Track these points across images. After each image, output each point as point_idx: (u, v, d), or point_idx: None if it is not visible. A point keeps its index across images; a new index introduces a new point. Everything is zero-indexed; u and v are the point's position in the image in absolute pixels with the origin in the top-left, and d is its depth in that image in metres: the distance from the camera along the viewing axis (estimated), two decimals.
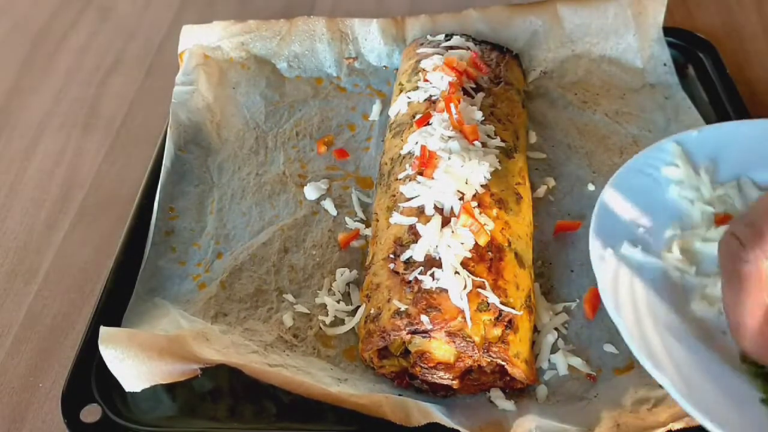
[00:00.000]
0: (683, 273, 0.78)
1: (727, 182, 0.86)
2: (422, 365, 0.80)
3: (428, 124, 0.95)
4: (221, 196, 1.03)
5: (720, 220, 0.84)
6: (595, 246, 0.76)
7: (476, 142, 0.92)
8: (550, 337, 0.86)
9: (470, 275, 0.79)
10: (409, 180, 0.90)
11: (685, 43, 1.22)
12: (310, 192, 1.03)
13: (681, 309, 0.75)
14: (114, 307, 0.88)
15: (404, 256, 0.83)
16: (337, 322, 0.89)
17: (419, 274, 0.80)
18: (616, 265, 0.76)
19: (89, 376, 0.81)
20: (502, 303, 0.79)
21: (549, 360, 0.84)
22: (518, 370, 0.79)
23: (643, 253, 0.77)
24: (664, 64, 1.18)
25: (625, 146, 1.09)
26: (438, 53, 1.07)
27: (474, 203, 0.85)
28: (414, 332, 0.78)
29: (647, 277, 0.76)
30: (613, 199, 0.82)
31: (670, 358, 0.68)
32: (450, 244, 0.80)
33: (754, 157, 0.86)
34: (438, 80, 1.01)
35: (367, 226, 0.99)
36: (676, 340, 0.71)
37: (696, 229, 0.82)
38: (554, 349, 0.85)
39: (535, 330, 0.86)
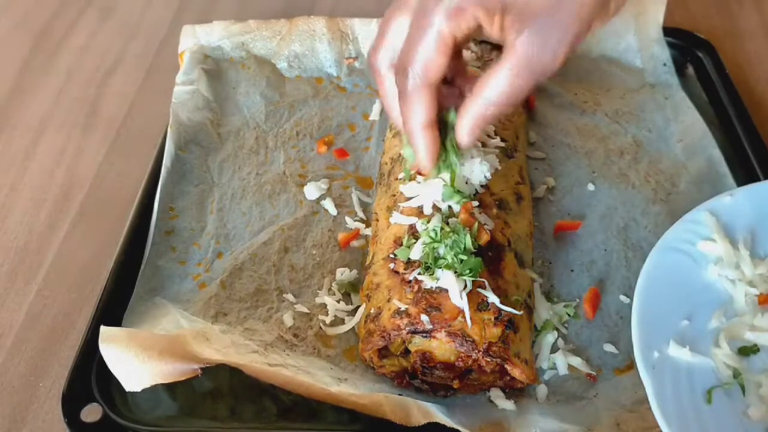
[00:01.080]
0: (735, 372, 0.72)
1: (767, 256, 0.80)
2: (422, 365, 0.80)
3: None
4: (221, 195, 1.03)
5: (764, 300, 0.78)
6: (641, 350, 0.70)
7: (476, 142, 0.92)
8: (550, 337, 0.86)
9: (470, 275, 0.79)
10: (409, 180, 0.90)
11: (685, 43, 1.22)
12: (310, 192, 1.03)
13: (737, 411, 0.69)
14: (114, 306, 0.88)
15: (404, 256, 0.83)
16: (337, 321, 0.89)
17: (419, 273, 0.80)
18: (664, 370, 0.69)
19: (89, 376, 0.81)
20: (502, 303, 0.79)
21: (549, 360, 0.85)
22: (518, 370, 0.79)
23: (692, 353, 0.71)
24: (664, 64, 1.18)
25: (625, 146, 1.09)
26: None
27: (474, 203, 0.85)
28: (414, 332, 0.78)
29: (700, 381, 0.70)
30: (650, 289, 0.75)
31: None
32: (450, 244, 0.80)
33: None
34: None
35: (367, 225, 0.99)
36: None
37: (742, 317, 0.75)
38: (554, 349, 0.85)
39: (535, 330, 0.87)
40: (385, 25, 0.80)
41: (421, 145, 0.80)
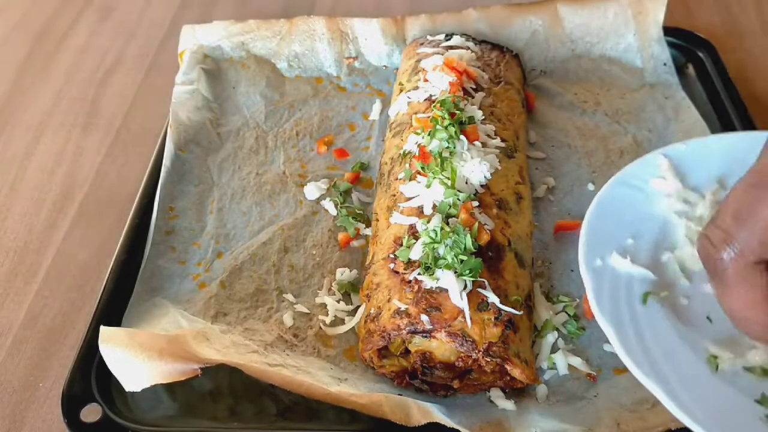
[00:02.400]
0: (672, 284, 0.78)
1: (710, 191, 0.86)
2: (422, 365, 0.80)
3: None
4: (221, 195, 1.03)
5: None
6: (583, 255, 0.77)
7: (476, 142, 0.92)
8: (550, 337, 0.86)
9: (470, 275, 0.79)
10: (409, 180, 0.90)
11: (685, 43, 1.22)
12: (310, 192, 1.03)
13: (669, 320, 0.75)
14: (114, 306, 0.88)
15: (404, 256, 0.83)
16: (337, 321, 0.89)
17: (419, 273, 0.80)
18: (605, 275, 0.76)
19: (89, 376, 0.81)
20: (502, 303, 0.79)
21: (549, 360, 0.84)
22: (518, 370, 0.79)
23: (632, 264, 0.77)
24: (664, 64, 1.18)
25: (625, 146, 1.09)
26: (438, 53, 1.08)
27: (474, 203, 0.85)
28: (414, 332, 0.78)
29: (637, 288, 0.76)
30: (601, 210, 0.82)
31: (659, 366, 0.69)
32: (450, 244, 0.80)
33: (737, 169, 0.86)
34: (438, 80, 1.01)
35: (367, 225, 0.99)
36: (664, 349, 0.71)
37: (684, 245, 0.81)
38: (554, 349, 0.85)
39: (535, 330, 0.86)
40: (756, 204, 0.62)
41: None
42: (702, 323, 0.75)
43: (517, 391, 0.82)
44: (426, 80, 1.03)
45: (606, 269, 0.77)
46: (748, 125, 1.08)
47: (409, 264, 0.82)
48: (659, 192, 0.84)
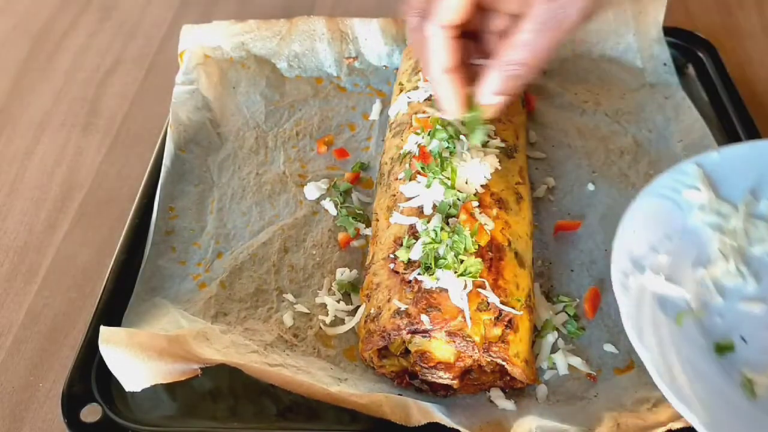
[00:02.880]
0: (706, 302, 0.77)
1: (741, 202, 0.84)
2: (422, 365, 0.80)
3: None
4: (221, 195, 1.03)
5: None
6: (616, 272, 0.74)
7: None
8: (550, 337, 0.86)
9: (470, 275, 0.79)
10: (409, 180, 0.90)
11: (685, 43, 1.22)
12: (310, 192, 1.03)
13: (704, 339, 0.74)
14: (114, 306, 0.88)
15: (404, 256, 0.83)
16: (337, 321, 0.89)
17: (419, 273, 0.80)
18: (639, 294, 0.74)
19: (89, 376, 0.81)
20: (502, 303, 0.79)
21: (549, 360, 0.85)
22: (518, 370, 0.79)
23: (666, 282, 0.76)
24: (664, 64, 1.18)
25: (625, 146, 1.09)
26: None
27: (474, 203, 0.85)
28: (414, 332, 0.78)
29: (670, 306, 0.75)
30: (633, 224, 0.79)
31: (694, 391, 0.67)
32: (450, 244, 0.80)
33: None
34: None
35: (367, 225, 0.99)
36: (699, 372, 0.69)
37: (717, 260, 0.80)
38: (554, 349, 0.86)
39: (535, 330, 0.86)
40: None
41: (441, 90, 0.81)
42: (736, 344, 0.73)
43: (517, 391, 0.82)
44: (426, 80, 1.03)
45: (639, 287, 0.75)
46: (748, 125, 1.08)
47: (409, 264, 0.82)
48: (692, 203, 0.83)
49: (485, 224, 0.84)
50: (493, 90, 0.78)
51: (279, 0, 1.45)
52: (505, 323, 0.79)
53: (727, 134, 1.08)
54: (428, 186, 0.87)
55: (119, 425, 0.78)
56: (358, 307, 0.89)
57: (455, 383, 0.81)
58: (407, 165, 0.93)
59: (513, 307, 0.80)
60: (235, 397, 0.82)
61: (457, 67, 0.79)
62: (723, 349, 0.74)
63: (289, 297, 0.92)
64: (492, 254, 0.83)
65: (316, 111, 1.16)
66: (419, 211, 0.87)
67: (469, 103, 0.81)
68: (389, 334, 0.79)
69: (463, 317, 0.77)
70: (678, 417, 0.74)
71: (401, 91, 1.06)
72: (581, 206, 1.02)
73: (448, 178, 0.87)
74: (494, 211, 0.87)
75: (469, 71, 0.81)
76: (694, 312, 0.75)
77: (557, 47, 0.74)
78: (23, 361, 0.91)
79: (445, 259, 0.80)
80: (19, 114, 1.24)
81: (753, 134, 1.07)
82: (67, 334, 0.93)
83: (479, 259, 0.80)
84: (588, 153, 1.09)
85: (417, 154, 0.92)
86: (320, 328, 0.88)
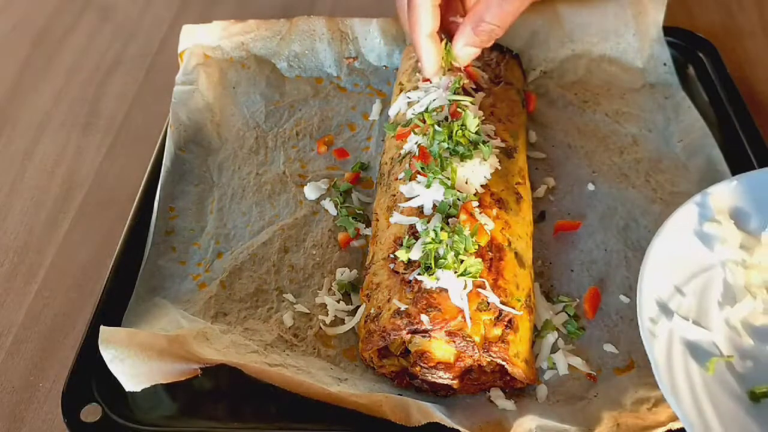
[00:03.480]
0: (737, 345, 0.75)
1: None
2: (422, 365, 0.80)
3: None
4: (221, 195, 1.03)
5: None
6: (644, 319, 0.73)
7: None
8: (550, 337, 0.86)
9: (470, 275, 0.79)
10: (409, 180, 0.90)
11: (685, 43, 1.22)
12: (310, 192, 1.03)
13: (738, 386, 0.71)
14: (114, 306, 0.88)
15: (404, 256, 0.83)
16: (337, 321, 0.89)
17: (419, 274, 0.80)
18: (668, 340, 0.72)
19: (89, 376, 0.81)
20: (502, 303, 0.79)
21: (549, 360, 0.84)
22: (518, 370, 0.79)
23: (695, 327, 0.74)
24: (664, 64, 1.18)
25: (625, 146, 1.09)
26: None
27: (474, 203, 0.85)
28: (414, 332, 0.78)
29: (700, 351, 0.73)
30: (656, 264, 0.77)
31: None
32: (450, 244, 0.80)
33: None
34: (438, 80, 1.01)
35: (367, 225, 0.99)
36: (736, 424, 0.68)
37: (744, 298, 0.78)
38: (554, 349, 0.86)
39: (535, 330, 0.86)
40: None
41: (423, 53, 0.96)
42: None
43: (517, 391, 0.82)
44: (426, 80, 1.03)
45: (668, 333, 0.73)
46: (748, 125, 1.08)
47: (409, 264, 0.82)
48: (714, 236, 0.81)
49: (485, 224, 0.84)
50: (465, 43, 0.96)
51: (279, 0, 1.45)
52: (505, 323, 0.79)
53: (727, 134, 1.08)
54: (428, 186, 0.87)
55: (119, 425, 0.78)
56: (358, 307, 0.89)
57: (455, 383, 0.81)
58: (407, 165, 0.93)
59: (513, 307, 0.80)
60: (235, 397, 0.82)
61: (435, 32, 0.95)
62: (758, 396, 0.71)
63: (289, 297, 0.92)
64: (492, 254, 0.83)
65: (316, 111, 1.16)
66: (419, 211, 0.87)
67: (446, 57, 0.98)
68: (389, 334, 0.79)
69: (463, 317, 0.77)
70: (678, 417, 0.75)
71: (401, 91, 1.06)
72: (581, 206, 1.02)
73: (448, 178, 0.87)
74: (494, 211, 0.87)
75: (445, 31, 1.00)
76: (724, 357, 0.73)
77: (521, 13, 0.94)
78: (23, 361, 0.91)
79: (445, 259, 0.80)
80: (19, 114, 1.24)
81: (753, 134, 1.07)
82: (67, 334, 0.93)
83: (479, 259, 0.80)
84: (588, 153, 1.09)
85: (417, 154, 0.92)
86: (320, 328, 0.88)
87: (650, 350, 0.71)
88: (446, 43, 1.00)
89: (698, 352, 0.73)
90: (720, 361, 0.72)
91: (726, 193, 0.83)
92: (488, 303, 0.79)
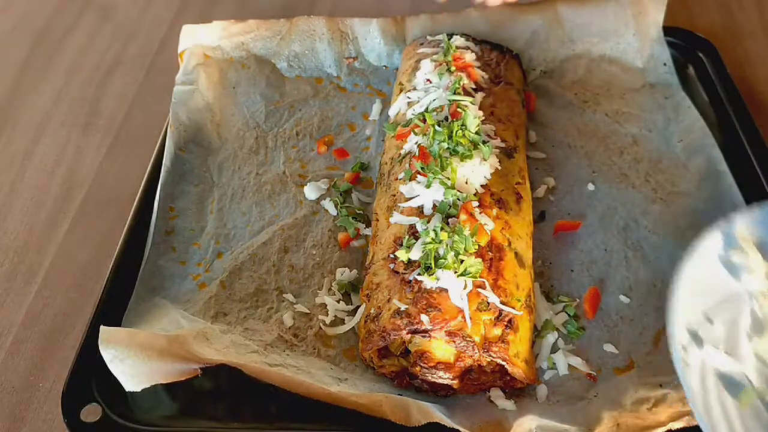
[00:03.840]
0: (766, 379, 0.74)
1: None
2: (422, 365, 0.80)
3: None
4: (221, 195, 1.03)
5: None
6: (676, 347, 0.71)
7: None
8: (550, 337, 0.86)
9: (470, 275, 0.79)
10: (409, 180, 0.90)
11: (685, 43, 1.22)
12: (310, 192, 1.03)
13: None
14: (114, 306, 0.88)
15: (404, 256, 0.83)
16: (337, 321, 0.89)
17: (419, 274, 0.80)
18: (701, 370, 0.72)
19: (89, 376, 0.82)
20: (502, 303, 0.79)
21: (549, 360, 0.84)
22: (518, 370, 0.79)
23: (727, 357, 0.73)
24: (664, 64, 1.18)
25: (625, 146, 1.09)
26: (438, 53, 1.07)
27: (474, 203, 0.85)
28: (414, 332, 0.78)
29: (732, 384, 0.72)
30: (684, 295, 0.75)
31: None
32: (450, 244, 0.80)
33: None
34: (438, 80, 1.01)
35: (367, 225, 0.99)
36: None
37: None
38: (554, 349, 0.86)
39: (535, 330, 0.86)
40: None
41: None
42: None
43: (517, 391, 0.82)
44: (428, 81, 1.03)
45: (701, 364, 0.72)
46: (748, 125, 1.08)
47: (409, 264, 0.82)
48: (739, 266, 0.79)
49: (485, 224, 0.84)
50: None
51: (279, 0, 1.45)
52: (505, 323, 0.79)
53: (727, 134, 1.08)
54: (428, 186, 0.87)
55: (119, 425, 0.78)
56: (358, 307, 0.89)
57: (455, 383, 0.81)
58: (407, 165, 0.93)
59: (513, 307, 0.80)
60: (235, 397, 0.82)
61: None
62: None
63: (289, 297, 0.92)
64: (492, 254, 0.83)
65: (316, 111, 1.16)
66: (419, 211, 0.87)
67: None
68: (389, 334, 0.79)
69: (463, 317, 0.77)
70: (678, 417, 0.75)
71: (401, 91, 1.06)
72: (581, 206, 1.02)
73: (448, 178, 0.87)
74: (494, 211, 0.87)
75: None
76: (757, 390, 0.72)
77: None
78: (23, 361, 0.91)
79: (445, 259, 0.80)
80: (19, 114, 1.24)
81: (753, 134, 1.07)
82: (67, 334, 0.93)
83: (479, 259, 0.80)
84: (588, 153, 1.09)
85: (417, 154, 0.92)
86: (320, 328, 0.88)
87: (684, 379, 0.70)
88: (447, 41, 0.97)
89: (731, 384, 0.72)
90: (752, 394, 0.72)
91: (750, 221, 0.82)
92: (488, 303, 0.79)
